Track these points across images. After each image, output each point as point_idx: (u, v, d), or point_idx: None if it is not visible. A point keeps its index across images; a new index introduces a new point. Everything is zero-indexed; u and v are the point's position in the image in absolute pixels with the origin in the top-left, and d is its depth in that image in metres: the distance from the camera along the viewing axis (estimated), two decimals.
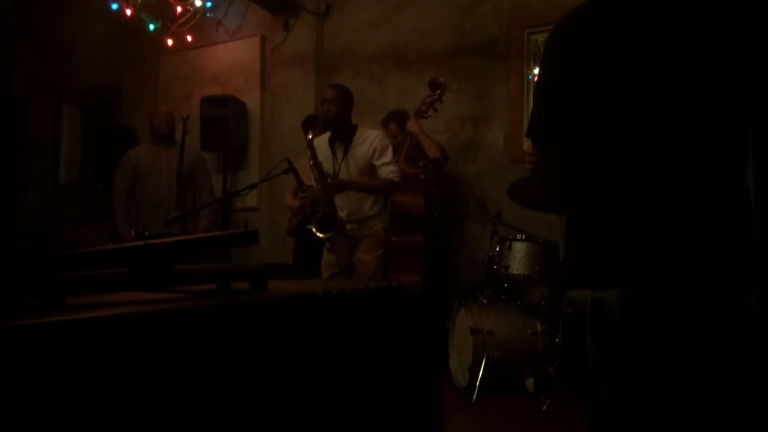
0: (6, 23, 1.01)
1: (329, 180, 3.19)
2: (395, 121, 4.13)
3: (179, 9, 5.33)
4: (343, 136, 3.37)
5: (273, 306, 1.00)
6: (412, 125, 3.97)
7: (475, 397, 3.14)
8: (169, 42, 5.57)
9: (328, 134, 3.44)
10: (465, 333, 3.37)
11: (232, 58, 5.53)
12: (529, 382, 3.22)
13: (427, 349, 1.30)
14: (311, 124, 3.90)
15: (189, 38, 5.52)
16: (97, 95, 6.32)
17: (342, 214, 3.33)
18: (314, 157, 3.24)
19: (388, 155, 3.34)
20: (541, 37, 4.39)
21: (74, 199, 5.94)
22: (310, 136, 3.36)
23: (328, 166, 3.33)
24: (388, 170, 3.29)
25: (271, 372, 0.94)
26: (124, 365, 0.74)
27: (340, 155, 3.36)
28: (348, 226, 3.33)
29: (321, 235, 3.17)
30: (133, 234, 4.29)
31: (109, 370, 0.72)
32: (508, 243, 3.40)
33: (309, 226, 3.28)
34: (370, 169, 3.31)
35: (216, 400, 0.85)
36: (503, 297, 3.71)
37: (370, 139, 3.33)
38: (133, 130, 5.74)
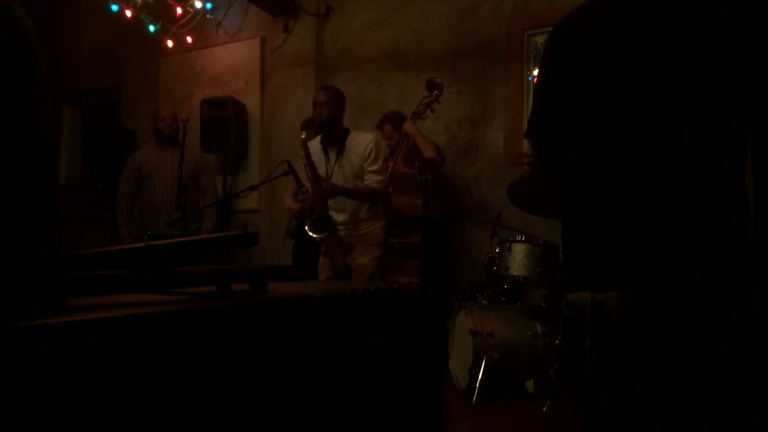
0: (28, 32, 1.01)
1: (324, 184, 3.20)
2: (390, 122, 4.14)
3: (179, 10, 5.33)
4: (335, 139, 3.33)
5: (273, 308, 1.00)
6: (408, 127, 3.97)
7: (475, 398, 3.14)
8: (169, 43, 5.58)
9: (319, 138, 3.41)
10: (465, 334, 3.37)
11: (232, 60, 5.53)
12: (529, 384, 3.22)
13: (427, 350, 1.30)
14: (310, 126, 3.91)
15: (189, 40, 5.52)
16: (97, 96, 6.33)
17: (338, 217, 3.33)
18: (308, 156, 3.23)
19: (379, 163, 3.31)
20: (540, 39, 4.39)
21: (74, 201, 5.94)
22: (303, 136, 3.36)
23: (321, 169, 3.33)
24: (374, 179, 3.27)
25: (271, 373, 0.94)
26: (124, 367, 0.74)
27: (333, 158, 3.34)
28: (343, 229, 3.33)
29: (314, 236, 3.19)
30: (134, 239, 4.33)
31: (110, 371, 0.72)
32: (507, 244, 3.40)
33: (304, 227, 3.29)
34: (364, 172, 3.29)
35: (216, 401, 0.85)
36: (503, 298, 3.71)
37: (365, 142, 3.29)
38: (132, 132, 5.75)
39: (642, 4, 1.26)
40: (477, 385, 3.17)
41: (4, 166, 0.95)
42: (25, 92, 1.04)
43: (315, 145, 3.41)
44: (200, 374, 0.83)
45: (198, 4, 5.30)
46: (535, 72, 4.32)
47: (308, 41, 5.08)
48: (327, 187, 3.19)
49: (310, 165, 3.22)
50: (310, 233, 3.20)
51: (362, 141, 3.31)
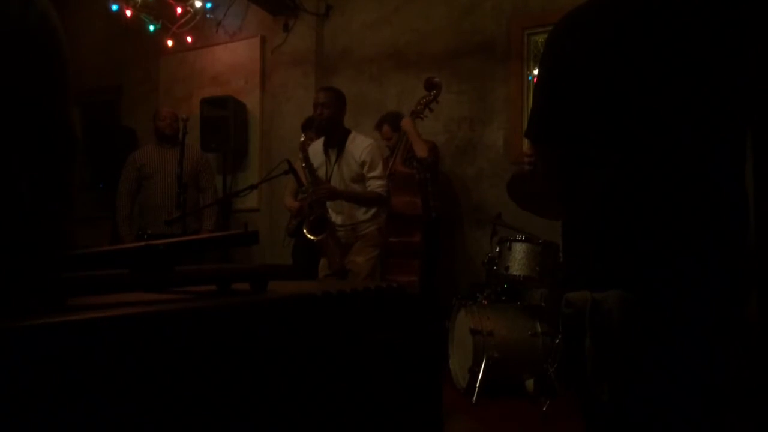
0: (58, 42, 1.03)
1: (322, 186, 3.20)
2: (388, 123, 4.14)
3: (179, 10, 5.33)
4: (336, 141, 3.33)
5: (273, 307, 1.00)
6: (406, 123, 3.96)
7: (475, 397, 3.14)
8: (169, 43, 5.57)
9: (322, 140, 3.42)
10: (465, 334, 3.37)
11: (232, 59, 5.53)
12: (529, 383, 3.22)
13: (427, 349, 1.30)
14: (311, 126, 3.91)
15: (189, 39, 5.52)
16: (97, 96, 6.31)
17: (337, 218, 3.33)
18: (306, 159, 3.24)
19: (378, 169, 3.30)
20: (540, 38, 4.39)
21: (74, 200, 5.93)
22: (303, 139, 3.37)
23: (322, 171, 3.33)
24: (376, 184, 3.26)
25: (271, 372, 0.94)
26: (124, 366, 0.74)
27: (333, 160, 3.34)
28: (341, 230, 3.33)
29: (312, 238, 3.19)
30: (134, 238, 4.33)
31: (110, 370, 0.72)
32: (507, 244, 3.40)
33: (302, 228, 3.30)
34: (361, 177, 3.28)
35: (216, 400, 0.85)
36: (503, 298, 3.71)
37: (361, 148, 3.27)
38: (132, 131, 5.74)
39: (642, 3, 1.26)
40: (477, 385, 3.17)
41: (24, 162, 0.95)
42: (54, 90, 1.05)
43: (317, 146, 3.41)
44: (200, 373, 0.83)
45: (198, 4, 5.29)
46: (535, 71, 4.32)
47: (308, 40, 5.08)
48: (325, 189, 3.20)
49: (309, 168, 3.23)
50: (308, 235, 3.20)
51: (359, 145, 3.29)
